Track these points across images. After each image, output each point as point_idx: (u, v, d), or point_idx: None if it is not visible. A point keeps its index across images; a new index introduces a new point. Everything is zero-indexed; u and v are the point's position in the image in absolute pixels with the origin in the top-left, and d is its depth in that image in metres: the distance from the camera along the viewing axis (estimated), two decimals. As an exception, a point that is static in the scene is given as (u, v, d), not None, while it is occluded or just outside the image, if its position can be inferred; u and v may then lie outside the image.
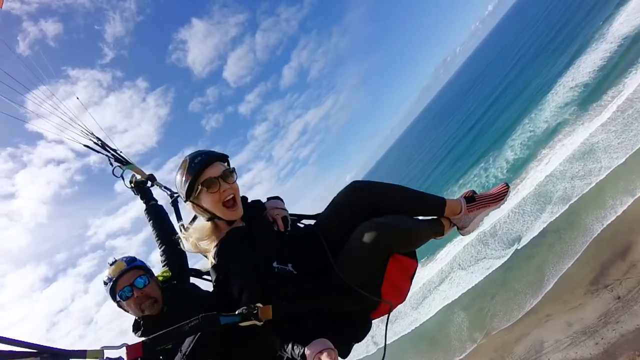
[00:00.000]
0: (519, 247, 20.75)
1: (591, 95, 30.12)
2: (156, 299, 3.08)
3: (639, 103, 23.22)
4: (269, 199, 3.07)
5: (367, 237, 2.46)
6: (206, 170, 2.60)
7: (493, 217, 24.67)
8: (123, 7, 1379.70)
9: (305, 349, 2.19)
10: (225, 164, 2.76)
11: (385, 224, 2.49)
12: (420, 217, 2.98)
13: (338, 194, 2.80)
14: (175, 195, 3.94)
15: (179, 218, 3.81)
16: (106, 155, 4.09)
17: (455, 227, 3.14)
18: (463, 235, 3.15)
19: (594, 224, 18.06)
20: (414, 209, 2.85)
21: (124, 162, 4.09)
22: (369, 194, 2.72)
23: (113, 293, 3.02)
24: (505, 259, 20.71)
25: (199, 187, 2.59)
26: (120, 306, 3.09)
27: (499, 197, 3.04)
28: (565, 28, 57.71)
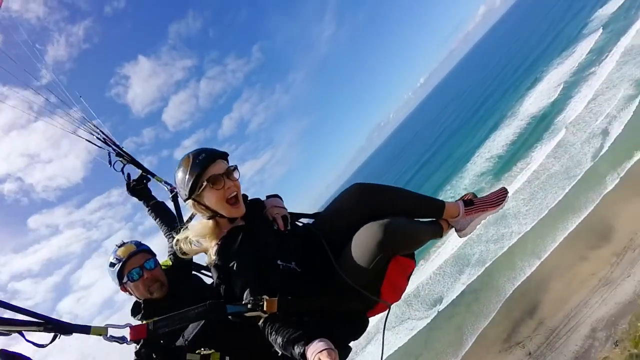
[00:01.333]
0: (440, 309, 21.51)
1: (504, 166, 33.11)
2: (163, 283, 3.08)
3: (543, 175, 25.82)
4: (268, 197, 3.06)
5: (373, 239, 2.47)
6: (210, 167, 2.57)
7: (416, 279, 25.63)
8: (70, 31, 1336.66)
9: (306, 348, 2.18)
10: (226, 161, 2.73)
11: (391, 226, 2.49)
12: (420, 219, 3.00)
13: (341, 195, 2.83)
14: (176, 190, 3.61)
15: (179, 214, 3.70)
16: (107, 150, 4.05)
17: (454, 229, 3.15)
18: (460, 237, 3.16)
19: (506, 285, 19.36)
20: (414, 210, 2.86)
21: (125, 158, 4.04)
22: (372, 196, 2.73)
23: (121, 274, 2.99)
24: (429, 320, 21.33)
25: (204, 183, 2.54)
26: (125, 289, 3.06)
27: (497, 202, 3.05)
28: (485, 104, 63.42)
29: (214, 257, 2.61)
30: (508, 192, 3.11)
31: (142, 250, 3.11)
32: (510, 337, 17.25)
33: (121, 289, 3.08)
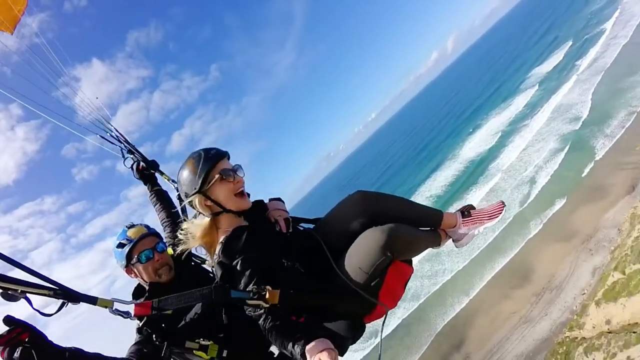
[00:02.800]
0: (375, 342, 22.05)
1: (442, 206, 34.24)
2: (172, 267, 3.05)
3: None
4: (271, 199, 3.10)
5: (375, 243, 2.50)
6: (220, 162, 2.62)
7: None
8: (23, 23, 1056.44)
9: (306, 348, 2.19)
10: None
11: (393, 231, 2.52)
12: (420, 228, 3.00)
13: (342, 202, 2.86)
14: None
15: (183, 211, 3.47)
16: (119, 146, 4.14)
17: (451, 239, 3.18)
18: (457, 247, 3.20)
19: (437, 320, 20.46)
20: (413, 219, 2.87)
21: (135, 155, 4.11)
22: (373, 203, 2.75)
23: (129, 255, 2.91)
24: (365, 352, 21.76)
25: (216, 176, 2.57)
26: (131, 270, 2.98)
27: (493, 215, 3.04)
28: (430, 145, 66.54)
29: (218, 256, 2.60)
30: (505, 206, 3.11)
31: (153, 233, 3.07)
32: (439, 371, 18.24)
33: (126, 270, 2.99)
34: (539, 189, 25.90)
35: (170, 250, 3.21)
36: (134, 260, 2.92)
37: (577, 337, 14.20)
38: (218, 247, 2.61)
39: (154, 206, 3.88)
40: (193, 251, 3.28)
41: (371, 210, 2.72)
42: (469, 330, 18.93)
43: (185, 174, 2.62)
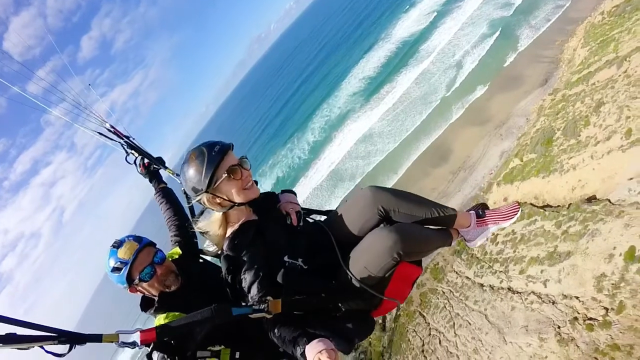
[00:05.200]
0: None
1: (375, 88, 36.16)
2: (177, 272, 2.88)
3: (407, 100, 29.46)
4: (282, 191, 3.04)
5: (383, 243, 2.48)
6: (225, 158, 2.53)
7: (302, 193, 28.73)
8: None
9: (306, 347, 2.19)
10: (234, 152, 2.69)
11: (401, 232, 2.50)
12: (430, 226, 2.91)
13: (354, 197, 2.83)
14: None
15: (192, 210, 3.33)
16: (119, 142, 3.98)
17: (463, 239, 3.09)
18: (469, 247, 3.16)
19: (369, 198, 23.18)
20: (425, 217, 2.78)
21: (136, 149, 3.98)
22: (385, 200, 2.69)
23: (130, 278, 2.71)
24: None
25: (223, 175, 2.51)
26: (135, 289, 2.80)
27: (508, 215, 2.98)
28: (364, 23, 65.15)
29: (225, 250, 2.64)
30: (520, 207, 3.05)
31: (146, 245, 2.82)
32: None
33: (130, 290, 2.80)
34: (465, 74, 27.61)
35: (177, 250, 3.21)
36: (136, 281, 2.75)
37: (480, 211, 16.84)
38: (225, 241, 2.68)
39: (160, 205, 3.76)
40: (201, 246, 3.34)
41: (381, 207, 2.69)
42: (397, 208, 21.69)
43: (190, 172, 2.56)
